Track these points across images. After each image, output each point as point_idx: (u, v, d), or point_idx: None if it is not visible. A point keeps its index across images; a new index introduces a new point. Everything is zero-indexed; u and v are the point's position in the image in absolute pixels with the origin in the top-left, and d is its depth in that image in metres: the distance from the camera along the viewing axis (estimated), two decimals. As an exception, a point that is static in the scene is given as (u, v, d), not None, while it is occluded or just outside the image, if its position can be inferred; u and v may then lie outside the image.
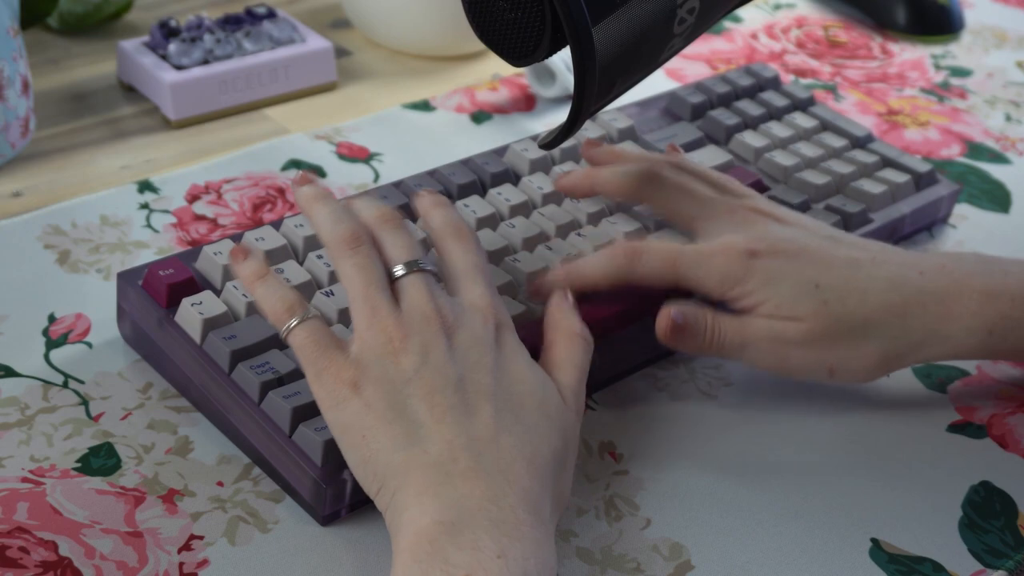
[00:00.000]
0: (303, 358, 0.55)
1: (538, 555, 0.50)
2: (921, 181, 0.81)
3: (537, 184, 0.73)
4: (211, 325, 0.61)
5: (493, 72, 0.97)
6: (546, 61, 0.89)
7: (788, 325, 0.63)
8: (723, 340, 0.64)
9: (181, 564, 0.55)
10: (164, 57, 0.88)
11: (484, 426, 0.53)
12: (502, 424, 0.53)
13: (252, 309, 0.62)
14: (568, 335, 0.59)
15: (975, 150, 0.93)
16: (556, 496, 0.54)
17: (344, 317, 0.62)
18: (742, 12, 1.12)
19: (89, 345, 0.66)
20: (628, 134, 0.80)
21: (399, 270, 0.57)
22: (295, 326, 0.56)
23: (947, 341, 0.65)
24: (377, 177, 0.83)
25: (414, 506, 0.51)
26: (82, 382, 0.64)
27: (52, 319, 0.68)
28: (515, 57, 0.58)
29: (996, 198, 0.88)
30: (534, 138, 0.76)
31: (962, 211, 0.85)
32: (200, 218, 0.77)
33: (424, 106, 0.91)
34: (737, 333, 0.64)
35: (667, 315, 0.64)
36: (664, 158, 0.71)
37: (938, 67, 1.06)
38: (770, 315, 0.63)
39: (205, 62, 0.88)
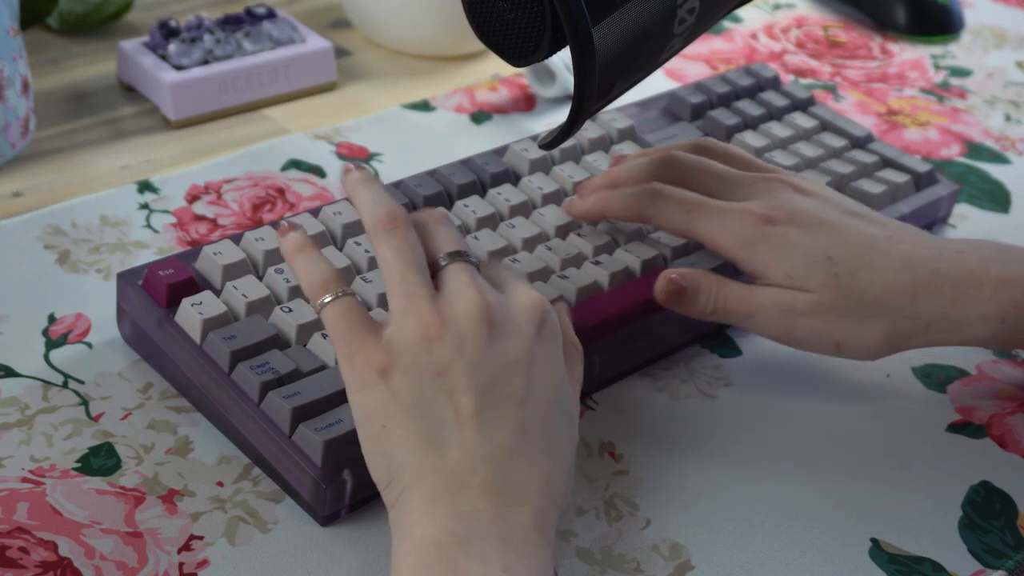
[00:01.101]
0: (334, 337, 0.54)
1: (540, 572, 0.49)
2: (921, 181, 0.81)
3: (537, 184, 0.73)
4: (211, 325, 0.61)
5: (493, 72, 0.97)
6: (546, 61, 0.89)
7: (797, 295, 0.63)
8: (728, 307, 0.64)
9: (181, 564, 0.55)
10: (164, 57, 0.88)
11: (507, 438, 0.51)
12: (526, 437, 0.52)
13: (252, 309, 0.62)
14: (566, 344, 0.59)
15: (975, 150, 0.93)
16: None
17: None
18: (742, 12, 1.12)
19: (89, 345, 0.66)
20: (628, 134, 0.80)
21: (444, 259, 0.55)
22: (329, 302, 0.54)
23: (957, 326, 0.64)
24: (377, 177, 0.83)
25: (423, 510, 0.50)
26: (82, 382, 0.64)
27: (52, 319, 0.68)
28: (515, 57, 0.58)
29: (996, 198, 0.88)
30: (534, 138, 0.76)
31: (962, 211, 0.85)
32: (200, 218, 0.77)
33: (424, 106, 0.91)
34: (744, 302, 0.64)
35: (666, 277, 0.64)
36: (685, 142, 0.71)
37: (938, 67, 1.06)
38: (779, 284, 0.63)
39: (205, 62, 0.88)
